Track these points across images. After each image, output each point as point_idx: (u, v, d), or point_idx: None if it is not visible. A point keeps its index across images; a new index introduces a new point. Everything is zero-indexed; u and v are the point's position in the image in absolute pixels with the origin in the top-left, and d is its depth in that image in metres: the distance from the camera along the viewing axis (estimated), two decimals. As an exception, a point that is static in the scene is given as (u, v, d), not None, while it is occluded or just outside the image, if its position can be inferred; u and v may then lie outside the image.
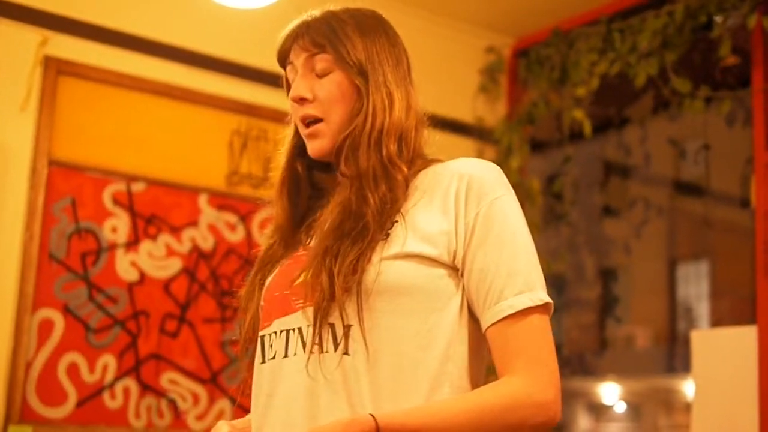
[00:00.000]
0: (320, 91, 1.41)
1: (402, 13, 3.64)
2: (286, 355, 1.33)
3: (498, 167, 1.39)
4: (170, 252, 3.19)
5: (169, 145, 3.23)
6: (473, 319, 1.34)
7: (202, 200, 3.27)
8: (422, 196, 1.36)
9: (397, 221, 1.33)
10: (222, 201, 3.30)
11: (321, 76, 1.41)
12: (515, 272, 1.30)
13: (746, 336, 2.86)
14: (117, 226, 3.11)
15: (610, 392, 13.66)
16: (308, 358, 1.29)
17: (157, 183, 3.19)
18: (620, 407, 14.18)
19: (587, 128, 3.57)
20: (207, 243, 3.25)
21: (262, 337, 1.39)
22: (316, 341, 1.28)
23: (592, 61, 3.46)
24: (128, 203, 3.14)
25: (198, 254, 3.23)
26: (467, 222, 1.32)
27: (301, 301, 1.32)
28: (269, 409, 1.35)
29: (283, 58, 1.47)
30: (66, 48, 3.05)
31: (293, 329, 1.33)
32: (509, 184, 1.38)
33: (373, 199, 1.34)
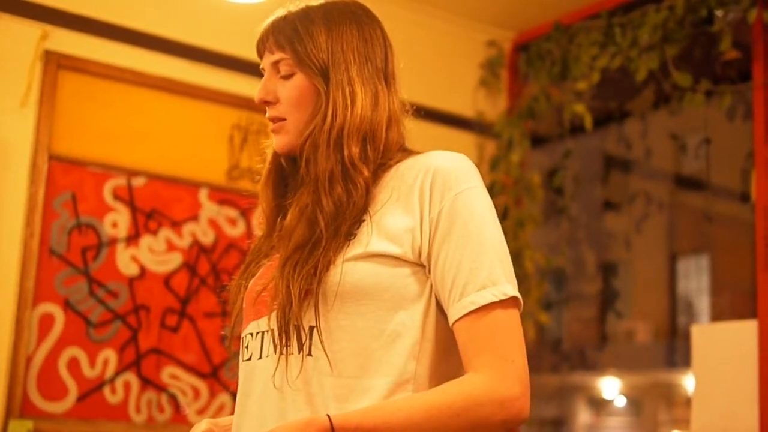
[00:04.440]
0: (282, 93, 1.43)
1: (402, 8, 3.63)
2: (260, 357, 1.36)
3: (467, 158, 1.37)
4: (171, 246, 3.19)
5: (170, 139, 3.23)
6: (444, 317, 1.32)
7: (203, 195, 3.27)
8: (391, 193, 1.35)
9: (364, 220, 1.33)
10: (222, 195, 3.30)
11: (285, 78, 1.43)
12: (478, 267, 1.28)
13: (746, 330, 2.86)
14: (117, 221, 3.11)
15: (611, 386, 13.69)
16: (277, 361, 1.31)
17: (158, 178, 3.19)
18: (620, 401, 14.20)
19: (588, 122, 3.57)
20: (207, 237, 3.26)
21: (243, 337, 1.42)
22: (283, 343, 1.30)
23: (592, 55, 3.46)
24: (129, 198, 3.14)
25: (198, 249, 3.23)
26: (431, 218, 1.31)
27: (274, 304, 1.34)
28: (245, 409, 1.37)
29: (260, 57, 1.51)
30: (66, 42, 3.05)
31: (266, 331, 1.35)
32: (478, 174, 1.36)
33: (327, 203, 1.34)
